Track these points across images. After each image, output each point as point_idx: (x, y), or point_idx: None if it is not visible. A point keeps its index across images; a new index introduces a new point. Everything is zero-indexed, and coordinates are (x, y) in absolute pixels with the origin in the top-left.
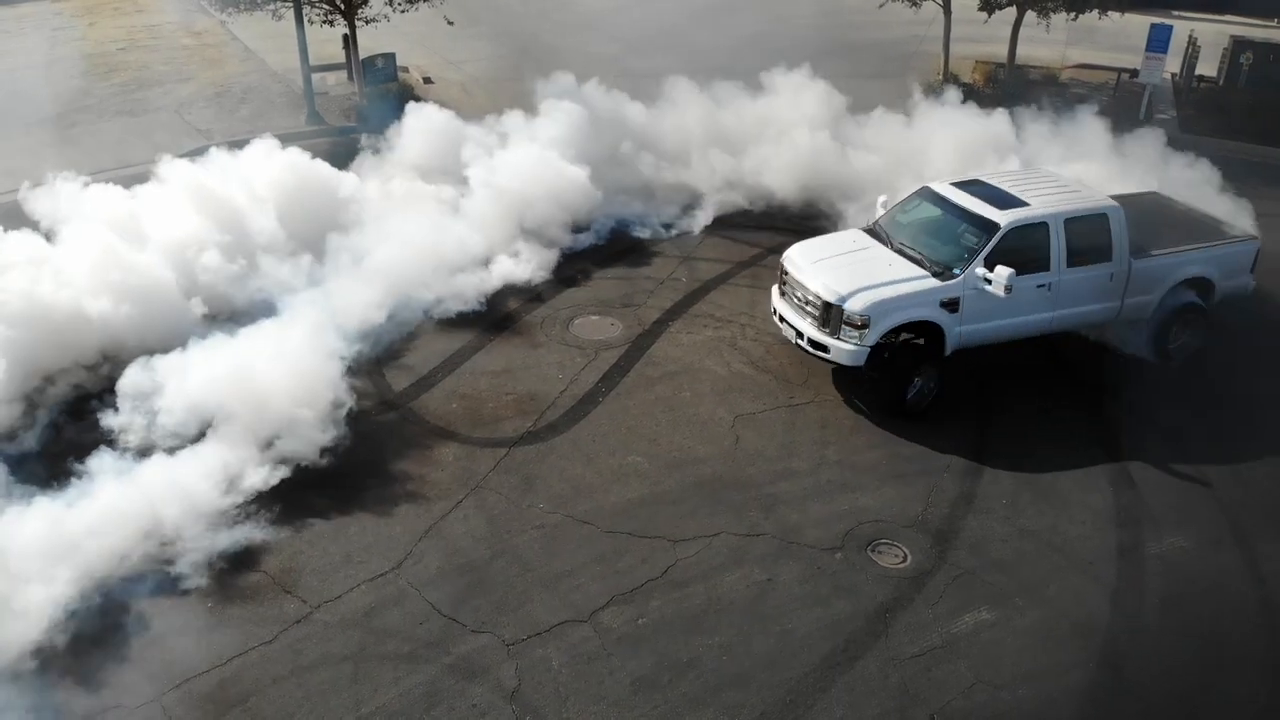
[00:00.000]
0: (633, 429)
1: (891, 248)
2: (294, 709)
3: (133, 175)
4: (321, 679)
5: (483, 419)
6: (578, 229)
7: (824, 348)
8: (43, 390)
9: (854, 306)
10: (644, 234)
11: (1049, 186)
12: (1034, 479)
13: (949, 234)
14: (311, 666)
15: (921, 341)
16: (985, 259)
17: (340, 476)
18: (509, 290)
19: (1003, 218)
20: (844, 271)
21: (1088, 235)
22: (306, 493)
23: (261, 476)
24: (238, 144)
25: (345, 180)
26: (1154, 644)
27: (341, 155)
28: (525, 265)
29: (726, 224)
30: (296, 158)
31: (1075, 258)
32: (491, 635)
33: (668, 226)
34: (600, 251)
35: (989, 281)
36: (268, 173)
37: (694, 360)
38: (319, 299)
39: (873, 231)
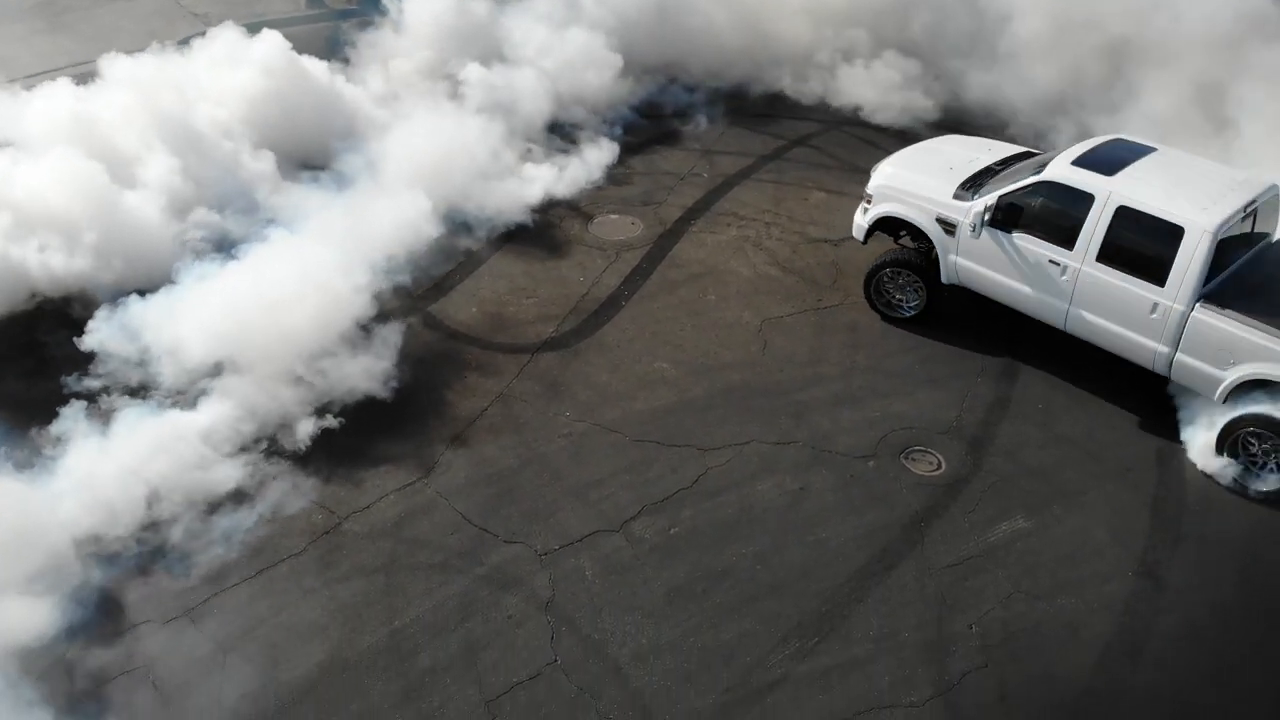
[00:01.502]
0: (657, 334)
1: (992, 165)
2: (327, 621)
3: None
4: (353, 591)
5: (504, 324)
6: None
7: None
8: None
9: (871, 181)
10: (664, 123)
11: (1199, 181)
12: (1069, 384)
13: (1028, 173)
14: (342, 578)
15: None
16: (1003, 196)
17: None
18: (530, 190)
19: (1054, 171)
20: (912, 158)
21: (1143, 242)
22: (328, 402)
23: (306, 430)
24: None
25: (344, 77)
26: (1194, 552)
27: (342, 41)
28: (564, 170)
29: (750, 113)
30: (287, 54)
31: (1113, 257)
32: (523, 545)
33: (693, 114)
34: (617, 144)
35: None
36: (253, 73)
37: (718, 261)
38: (328, 219)
39: (1029, 154)
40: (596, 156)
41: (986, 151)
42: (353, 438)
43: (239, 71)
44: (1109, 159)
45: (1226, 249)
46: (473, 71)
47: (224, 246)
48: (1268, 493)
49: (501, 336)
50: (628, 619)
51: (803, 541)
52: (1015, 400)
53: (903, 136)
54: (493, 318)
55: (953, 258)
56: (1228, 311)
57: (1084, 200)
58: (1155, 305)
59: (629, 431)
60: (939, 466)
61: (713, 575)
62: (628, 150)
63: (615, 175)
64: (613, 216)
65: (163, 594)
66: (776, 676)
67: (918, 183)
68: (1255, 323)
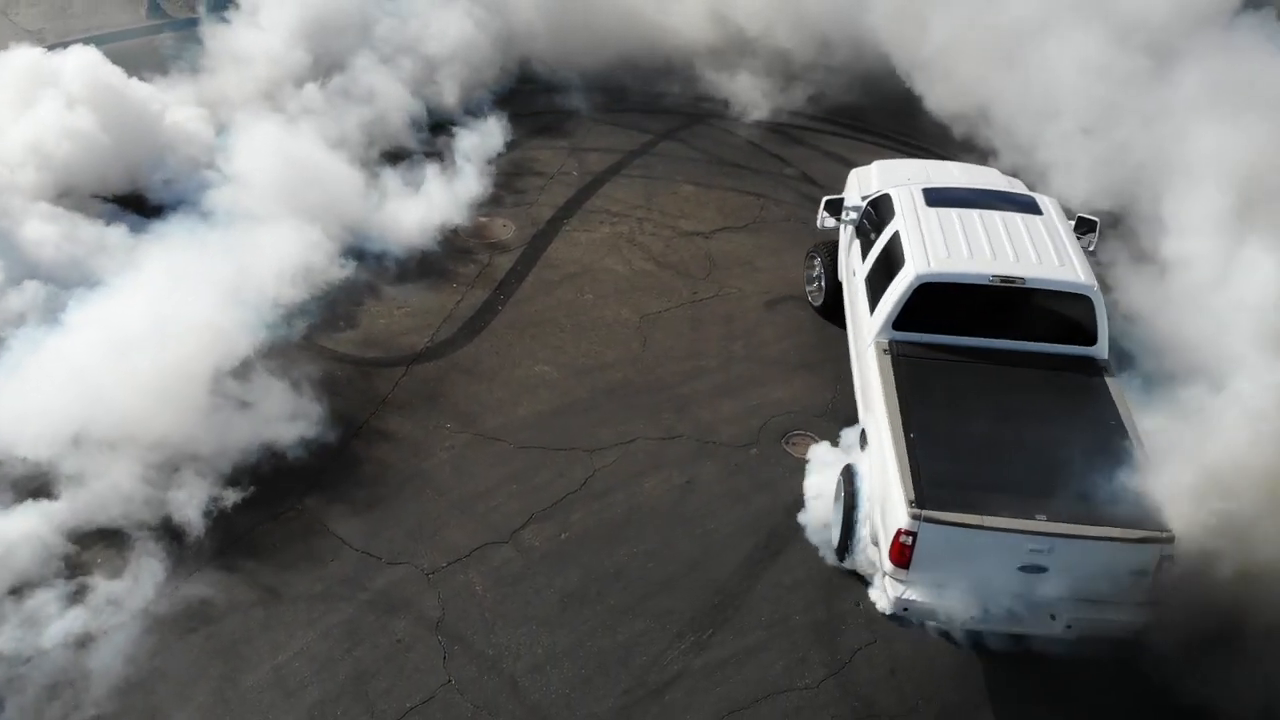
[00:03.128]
0: (536, 337)
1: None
2: (205, 663)
3: None
4: (231, 628)
5: (375, 337)
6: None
7: None
8: None
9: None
10: (529, 121)
11: (1012, 244)
12: None
13: None
14: (219, 616)
15: None
16: (865, 197)
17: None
18: (395, 192)
19: (898, 189)
20: (893, 164)
21: (888, 271)
22: (194, 442)
23: (173, 479)
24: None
25: (184, 95)
26: None
27: (183, 55)
28: (431, 179)
29: (616, 109)
30: (106, 79)
31: (871, 280)
32: (409, 565)
33: (559, 110)
34: (481, 143)
35: None
36: (67, 102)
37: (593, 260)
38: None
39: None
40: (463, 160)
41: (979, 175)
42: (219, 467)
43: (49, 101)
44: (969, 200)
45: (971, 314)
46: (311, 92)
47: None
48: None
49: (373, 351)
50: (522, 631)
51: (692, 535)
52: None
53: (779, 132)
54: (363, 332)
55: (842, 254)
56: (886, 357)
57: (887, 215)
58: (861, 334)
59: (513, 439)
60: None
61: (606, 577)
62: (493, 148)
63: (480, 175)
64: (483, 219)
65: (23, 657)
66: (674, 673)
67: (862, 182)
68: (889, 374)
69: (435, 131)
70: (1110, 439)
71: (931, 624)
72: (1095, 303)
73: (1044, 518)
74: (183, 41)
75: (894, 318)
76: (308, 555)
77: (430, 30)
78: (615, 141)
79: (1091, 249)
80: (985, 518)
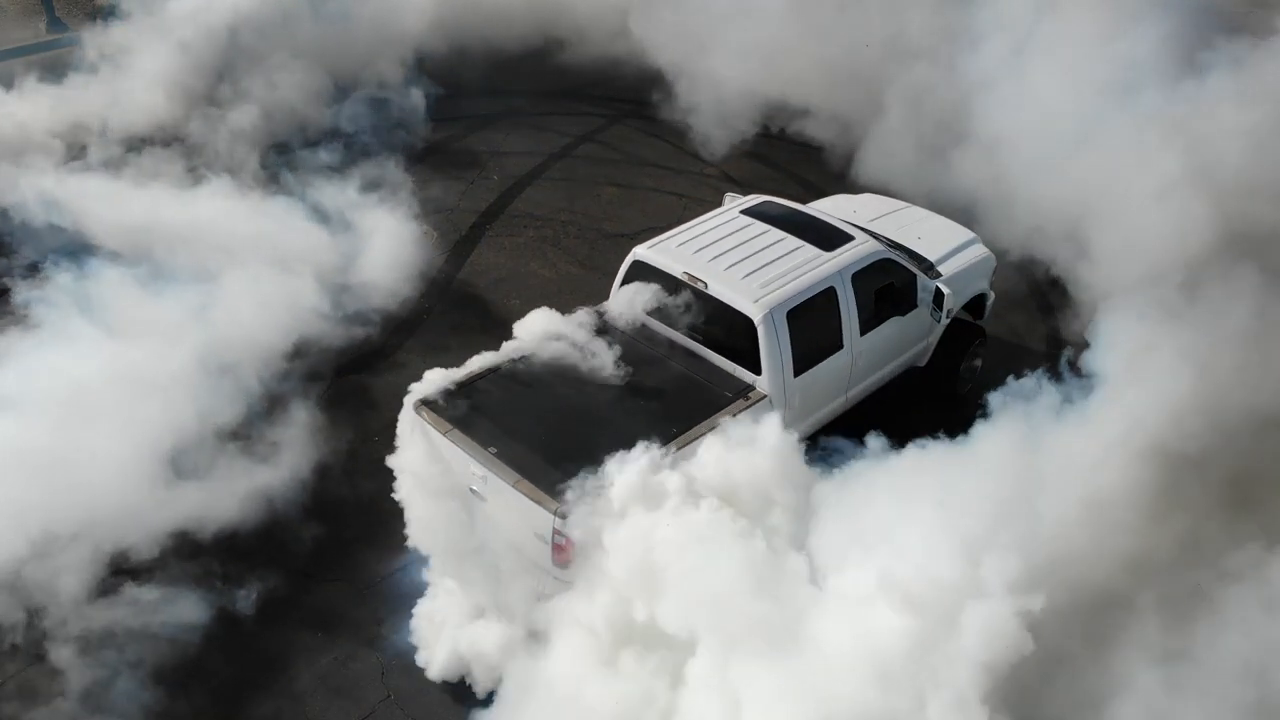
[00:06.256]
0: (464, 344)
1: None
2: (136, 690)
3: None
4: (165, 651)
5: (299, 349)
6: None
7: None
8: None
9: None
10: (443, 126)
11: (749, 254)
12: None
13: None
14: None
15: None
16: None
17: None
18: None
19: (762, 196)
20: (833, 200)
21: None
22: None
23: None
24: None
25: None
26: None
27: (82, 72)
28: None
29: (534, 111)
30: None
31: None
32: (343, 582)
33: (473, 113)
34: (397, 149)
35: None
36: None
37: (518, 265)
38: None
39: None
40: (380, 169)
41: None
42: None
43: None
44: (782, 220)
45: (670, 306)
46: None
47: None
48: None
49: (298, 362)
50: None
51: None
52: None
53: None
54: (287, 344)
55: None
56: (589, 312)
57: None
58: None
59: None
60: None
61: None
62: (411, 157)
63: (400, 184)
64: (405, 226)
65: None
66: None
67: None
68: (568, 322)
69: (348, 139)
70: (649, 437)
71: None
72: (759, 331)
73: (494, 451)
74: (82, 56)
75: (616, 288)
76: (240, 578)
77: (341, 34)
78: (534, 145)
79: (977, 362)
80: (451, 430)
